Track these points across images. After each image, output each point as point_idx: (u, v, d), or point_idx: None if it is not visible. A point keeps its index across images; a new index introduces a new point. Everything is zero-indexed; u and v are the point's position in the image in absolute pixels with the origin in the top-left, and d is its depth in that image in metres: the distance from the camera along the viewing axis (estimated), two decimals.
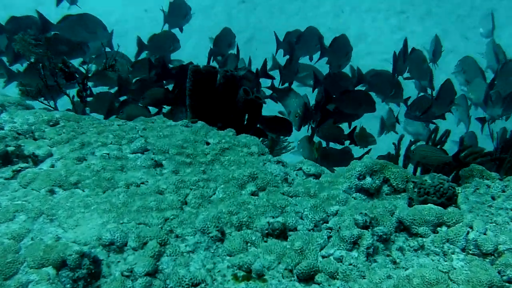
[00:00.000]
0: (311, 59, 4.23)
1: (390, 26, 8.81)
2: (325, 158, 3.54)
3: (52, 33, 3.61)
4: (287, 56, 4.00)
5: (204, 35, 7.95)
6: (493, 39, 5.22)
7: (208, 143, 2.35)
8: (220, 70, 2.49)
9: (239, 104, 2.54)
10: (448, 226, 1.83)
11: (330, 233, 1.85)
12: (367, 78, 3.71)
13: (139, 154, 2.20)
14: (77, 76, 2.88)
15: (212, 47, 4.26)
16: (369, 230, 1.82)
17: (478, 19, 8.87)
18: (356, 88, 3.68)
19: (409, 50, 4.07)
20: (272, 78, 3.64)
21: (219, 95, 2.54)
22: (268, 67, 3.84)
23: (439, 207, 1.88)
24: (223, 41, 4.26)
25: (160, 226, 1.83)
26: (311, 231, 1.88)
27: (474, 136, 3.90)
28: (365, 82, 3.67)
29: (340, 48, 3.86)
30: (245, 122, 2.64)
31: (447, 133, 3.23)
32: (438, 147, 3.11)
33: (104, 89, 3.62)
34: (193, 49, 8.05)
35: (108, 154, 2.18)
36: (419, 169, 3.17)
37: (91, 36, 3.84)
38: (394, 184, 2.08)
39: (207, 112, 2.57)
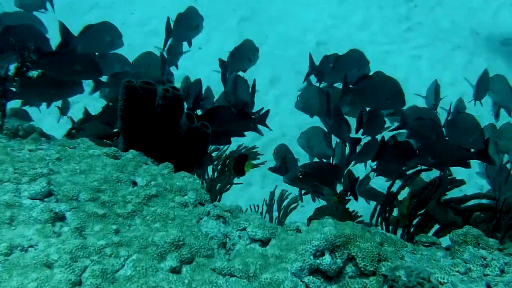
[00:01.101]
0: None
1: (397, 14, 8.20)
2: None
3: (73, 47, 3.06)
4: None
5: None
6: None
7: (135, 183, 1.86)
8: (159, 88, 1.98)
9: (181, 132, 2.04)
10: None
11: None
12: (408, 122, 2.97)
13: (37, 201, 1.70)
14: None
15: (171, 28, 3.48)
16: None
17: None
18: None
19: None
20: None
21: (158, 118, 2.03)
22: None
23: None
24: (186, 22, 3.57)
25: None
26: None
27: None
28: (406, 128, 2.97)
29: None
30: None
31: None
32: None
33: None
34: None
35: None
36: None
37: (109, 47, 3.29)
38: (361, 266, 1.59)
39: (144, 139, 2.07)
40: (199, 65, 6.91)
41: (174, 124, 2.05)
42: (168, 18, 3.48)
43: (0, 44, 2.84)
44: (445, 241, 2.02)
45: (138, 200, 1.76)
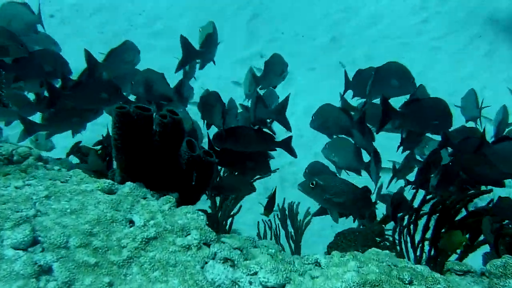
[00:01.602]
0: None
1: (410, 5, 7.92)
2: None
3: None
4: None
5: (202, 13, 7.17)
6: None
7: (132, 222, 1.67)
8: (155, 114, 1.78)
9: (182, 162, 1.83)
10: None
11: None
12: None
13: (21, 252, 1.51)
14: None
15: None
16: None
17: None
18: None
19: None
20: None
21: (156, 147, 1.83)
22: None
23: None
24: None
25: None
26: None
27: None
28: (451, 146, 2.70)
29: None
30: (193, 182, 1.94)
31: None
32: None
33: None
34: (188, 27, 7.28)
35: None
36: None
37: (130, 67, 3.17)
38: None
39: (141, 169, 1.87)
40: (210, 67, 6.71)
41: (174, 152, 1.84)
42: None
43: (24, 71, 2.70)
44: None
45: (135, 245, 1.57)
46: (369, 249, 1.98)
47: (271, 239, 3.07)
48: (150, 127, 1.81)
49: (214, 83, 6.45)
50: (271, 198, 2.84)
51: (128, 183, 1.81)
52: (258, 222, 3.26)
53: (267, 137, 2.62)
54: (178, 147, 1.84)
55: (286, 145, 2.70)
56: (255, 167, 2.68)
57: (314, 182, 2.53)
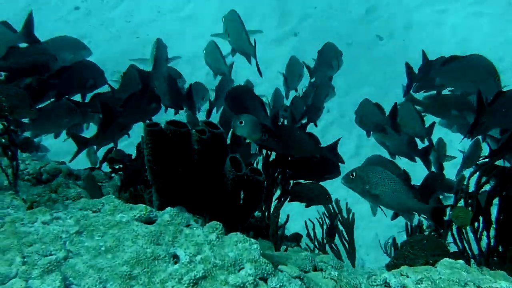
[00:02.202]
0: None
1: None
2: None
3: None
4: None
5: None
6: None
7: (176, 258, 1.45)
8: (192, 129, 1.55)
9: (226, 182, 1.60)
10: None
11: None
12: None
13: None
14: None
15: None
16: None
17: None
18: None
19: None
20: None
21: (196, 166, 1.60)
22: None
23: None
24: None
25: None
26: None
27: None
28: None
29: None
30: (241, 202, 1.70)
31: None
32: None
33: None
34: (219, 10, 7.01)
35: None
36: None
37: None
38: None
39: (181, 192, 1.65)
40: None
41: (217, 170, 1.61)
42: None
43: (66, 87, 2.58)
44: None
45: (184, 286, 1.35)
46: (442, 260, 1.75)
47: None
48: (188, 144, 1.58)
49: (246, 66, 6.18)
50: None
51: (168, 209, 1.59)
52: (306, 222, 3.01)
53: (315, 141, 2.36)
54: (221, 164, 1.60)
55: (333, 151, 2.44)
56: (326, 172, 2.43)
57: (353, 173, 2.27)
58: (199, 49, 6.26)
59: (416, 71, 2.76)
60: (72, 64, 2.60)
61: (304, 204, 2.44)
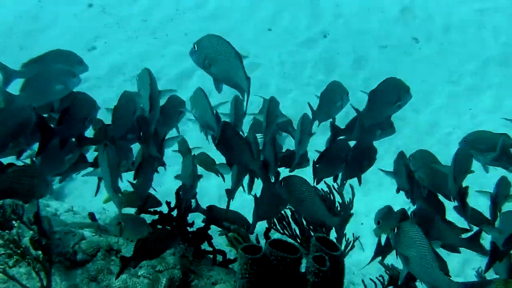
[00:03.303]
0: None
1: None
2: None
3: None
4: None
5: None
6: None
7: None
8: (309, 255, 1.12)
9: None
10: None
11: None
12: None
13: None
14: None
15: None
16: None
17: None
18: None
19: None
20: None
21: None
22: None
23: None
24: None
25: None
26: None
27: None
28: None
29: None
30: None
31: None
32: None
33: None
34: (245, 7, 6.54)
35: None
36: None
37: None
38: None
39: None
40: (269, 49, 5.98)
41: None
42: None
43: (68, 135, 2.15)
44: None
45: None
46: None
47: None
48: (297, 271, 1.16)
49: (278, 68, 5.74)
50: None
51: None
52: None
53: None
54: None
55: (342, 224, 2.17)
56: None
57: None
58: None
59: None
60: (71, 103, 2.17)
61: None
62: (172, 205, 2.39)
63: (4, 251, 1.71)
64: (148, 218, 2.30)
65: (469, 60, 6.05)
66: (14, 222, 1.82)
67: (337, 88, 2.51)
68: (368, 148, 2.54)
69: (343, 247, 2.68)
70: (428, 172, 2.34)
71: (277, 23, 6.28)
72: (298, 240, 2.70)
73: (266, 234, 2.57)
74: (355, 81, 5.64)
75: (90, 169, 2.35)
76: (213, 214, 2.43)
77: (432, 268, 1.80)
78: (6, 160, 1.92)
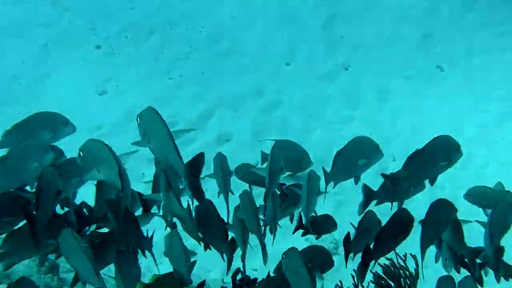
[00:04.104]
0: None
1: None
2: None
3: None
4: None
5: None
6: None
7: None
8: None
9: None
10: None
11: None
12: None
13: None
14: None
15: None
16: None
17: None
18: None
19: None
20: None
21: None
22: None
23: None
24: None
25: None
26: None
27: None
28: None
29: None
30: None
31: None
32: None
33: None
34: (261, 38, 6.29)
35: None
36: None
37: None
38: None
39: None
40: (288, 83, 5.72)
41: None
42: None
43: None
44: None
45: None
46: None
47: None
48: None
49: (298, 107, 5.47)
50: None
51: None
52: None
53: None
54: None
55: None
56: None
57: None
58: (244, 87, 5.52)
59: None
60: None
61: None
62: None
63: None
64: None
65: (498, 83, 5.85)
66: None
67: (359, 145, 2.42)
68: (406, 219, 2.34)
69: None
70: None
71: (296, 55, 6.04)
72: None
73: None
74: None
75: None
76: None
77: None
78: None
